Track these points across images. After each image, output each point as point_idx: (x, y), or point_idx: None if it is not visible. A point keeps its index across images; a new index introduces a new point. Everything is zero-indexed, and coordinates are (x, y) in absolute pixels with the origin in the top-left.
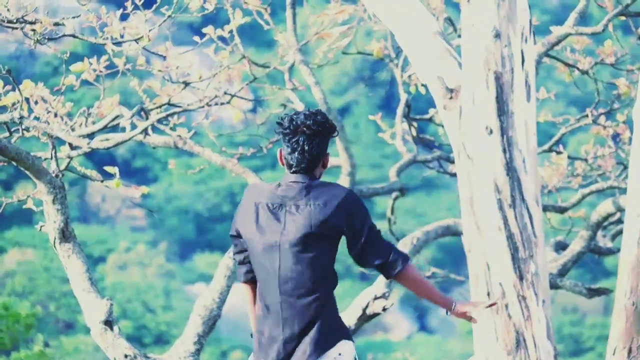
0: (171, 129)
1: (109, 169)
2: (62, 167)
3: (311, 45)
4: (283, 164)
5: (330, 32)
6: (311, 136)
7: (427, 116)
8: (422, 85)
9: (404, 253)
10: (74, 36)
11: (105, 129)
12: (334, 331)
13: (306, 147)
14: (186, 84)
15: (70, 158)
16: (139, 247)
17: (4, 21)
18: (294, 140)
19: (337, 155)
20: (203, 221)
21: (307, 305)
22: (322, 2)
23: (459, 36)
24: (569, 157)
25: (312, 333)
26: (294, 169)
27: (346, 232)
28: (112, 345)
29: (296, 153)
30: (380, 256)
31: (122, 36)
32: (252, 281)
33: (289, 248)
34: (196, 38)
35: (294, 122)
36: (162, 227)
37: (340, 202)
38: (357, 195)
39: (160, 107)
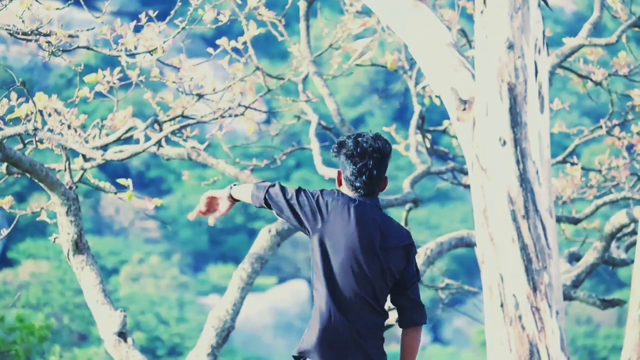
0: (184, 140)
1: (122, 181)
2: (76, 179)
3: (326, 56)
4: (340, 186)
5: (354, 45)
6: (380, 159)
7: (441, 128)
8: (436, 96)
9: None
10: (88, 48)
11: (119, 141)
12: None
13: (374, 172)
14: (200, 96)
15: (84, 170)
16: (152, 258)
17: (18, 33)
18: (361, 163)
19: None
20: (216, 233)
21: None
22: (335, 13)
23: (472, 48)
24: (582, 168)
25: None
26: (360, 192)
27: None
28: (125, 357)
29: (364, 177)
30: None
31: (135, 48)
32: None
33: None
34: (210, 50)
35: (362, 144)
36: (176, 238)
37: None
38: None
39: (174, 119)
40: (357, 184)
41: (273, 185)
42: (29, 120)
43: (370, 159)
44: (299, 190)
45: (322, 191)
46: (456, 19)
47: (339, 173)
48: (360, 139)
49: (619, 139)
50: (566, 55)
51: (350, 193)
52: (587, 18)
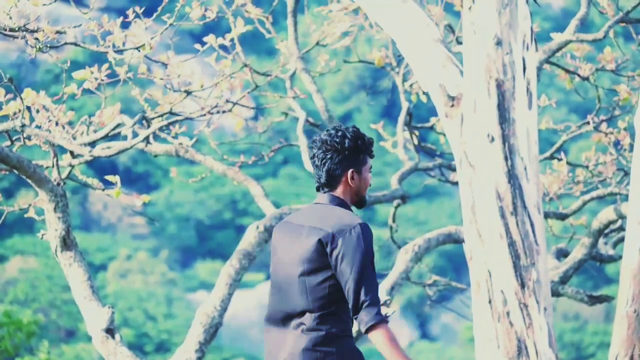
0: (174, 137)
1: (110, 178)
2: (64, 175)
3: (314, 53)
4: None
5: (332, 28)
6: (325, 152)
7: (428, 124)
8: (424, 93)
9: (379, 313)
10: (75, 44)
11: (106, 137)
12: None
13: (318, 162)
14: (188, 92)
15: (72, 166)
16: (140, 254)
17: (5, 29)
18: (311, 153)
19: None
20: (204, 229)
21: None
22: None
23: (460, 44)
24: (569, 164)
25: None
26: (316, 185)
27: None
28: (113, 353)
29: (314, 166)
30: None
31: (123, 44)
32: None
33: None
34: (197, 46)
35: (322, 139)
36: (163, 234)
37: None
38: (367, 232)
39: (161, 115)
40: (316, 176)
41: None
42: (16, 117)
43: (318, 150)
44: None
45: None
46: (443, 14)
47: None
48: (326, 131)
49: (606, 134)
50: (553, 51)
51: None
52: (574, 14)
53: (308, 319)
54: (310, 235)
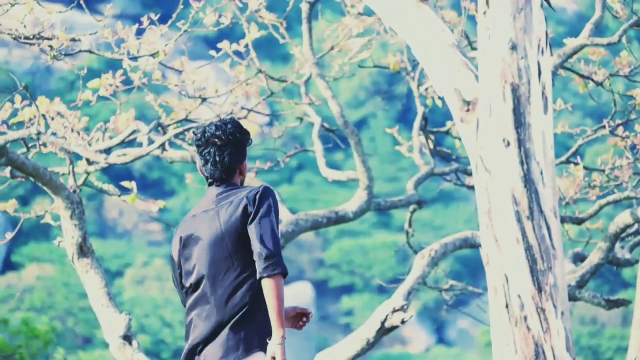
0: (189, 144)
1: (126, 184)
2: (79, 182)
3: (328, 58)
4: (202, 174)
5: (350, 43)
6: (222, 147)
7: (444, 129)
8: (439, 98)
9: (281, 263)
10: (90, 52)
11: (122, 144)
12: None
13: (217, 159)
14: (203, 99)
15: (88, 173)
16: (156, 261)
17: (21, 37)
18: (205, 151)
19: (354, 169)
20: None
21: None
22: (337, 15)
23: (474, 49)
24: (585, 168)
25: None
26: (209, 181)
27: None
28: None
29: (209, 164)
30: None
31: (138, 51)
32: None
33: None
34: (212, 52)
35: (205, 134)
36: None
37: (247, 194)
38: (271, 192)
39: (177, 122)
40: (205, 173)
41: None
42: (32, 124)
43: (213, 147)
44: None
45: None
46: (458, 20)
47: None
48: (207, 127)
49: (622, 138)
50: (568, 55)
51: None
52: (588, 18)
53: None
54: (232, 207)
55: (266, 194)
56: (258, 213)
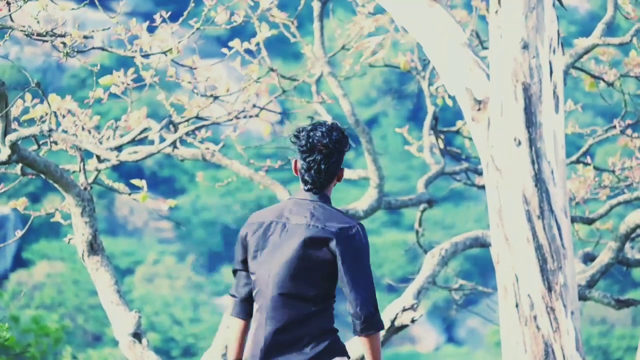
0: (200, 142)
1: (136, 182)
2: (90, 180)
3: (340, 57)
4: (297, 174)
5: (366, 42)
6: (328, 155)
7: (454, 128)
8: (449, 97)
9: (380, 320)
10: (103, 49)
11: (133, 142)
12: None
13: (322, 167)
14: (215, 97)
15: (98, 171)
16: (167, 259)
17: (34, 34)
18: (310, 158)
19: (365, 167)
20: (230, 233)
21: None
22: (349, 14)
23: (485, 48)
24: (596, 169)
25: None
26: (307, 187)
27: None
28: (140, 357)
29: (312, 171)
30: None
31: (150, 49)
32: None
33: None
34: (224, 50)
35: (311, 140)
36: (190, 239)
37: (340, 229)
38: (365, 232)
39: (188, 120)
40: (306, 178)
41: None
42: (43, 122)
43: (319, 155)
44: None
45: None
46: (469, 18)
47: (295, 162)
48: (311, 132)
49: (633, 139)
50: (580, 55)
51: (301, 185)
52: (600, 17)
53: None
54: (309, 232)
55: (363, 234)
56: (351, 257)
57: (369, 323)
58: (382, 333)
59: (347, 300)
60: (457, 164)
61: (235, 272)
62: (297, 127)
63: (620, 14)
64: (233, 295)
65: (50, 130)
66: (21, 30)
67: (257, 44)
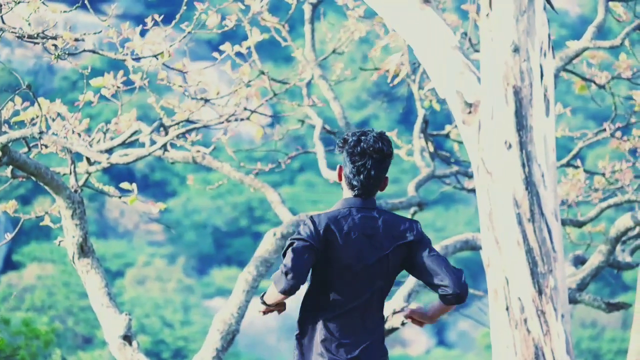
0: (191, 145)
1: (126, 185)
2: (81, 182)
3: (330, 60)
4: (341, 181)
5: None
6: (379, 161)
7: (443, 132)
8: (437, 102)
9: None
10: (93, 52)
11: (123, 145)
12: None
13: (373, 172)
14: (206, 100)
15: (89, 173)
16: (157, 261)
17: (25, 36)
18: (360, 163)
19: None
20: (221, 236)
21: None
22: (340, 17)
23: (477, 51)
24: (586, 171)
25: None
26: (357, 192)
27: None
28: None
29: (362, 176)
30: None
31: (141, 52)
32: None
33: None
34: (215, 54)
35: (362, 144)
36: (180, 241)
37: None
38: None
39: (179, 123)
40: (354, 183)
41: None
42: (34, 124)
43: (370, 159)
44: (291, 242)
45: (311, 218)
46: (459, 22)
47: (340, 168)
48: (362, 137)
49: (623, 141)
50: (571, 58)
51: (347, 191)
52: (591, 21)
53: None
54: (393, 245)
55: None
56: (431, 248)
57: (459, 299)
58: None
59: (436, 283)
60: (447, 167)
61: None
62: (345, 134)
63: (612, 16)
64: None
65: (41, 132)
66: (12, 32)
67: (248, 48)
